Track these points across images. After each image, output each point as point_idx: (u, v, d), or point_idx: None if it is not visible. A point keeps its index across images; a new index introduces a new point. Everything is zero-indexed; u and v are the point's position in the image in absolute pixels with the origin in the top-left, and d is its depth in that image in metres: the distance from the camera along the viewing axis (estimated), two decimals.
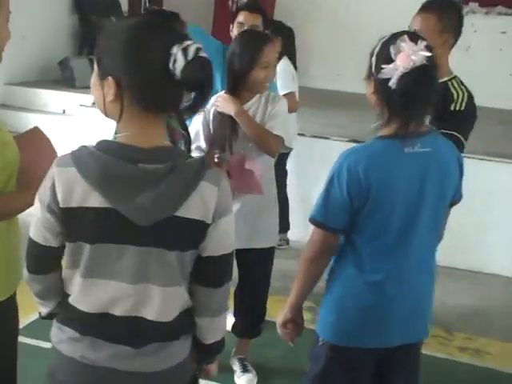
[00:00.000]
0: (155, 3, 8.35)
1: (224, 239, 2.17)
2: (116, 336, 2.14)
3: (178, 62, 1.95)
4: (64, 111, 7.94)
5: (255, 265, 4.07)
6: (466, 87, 3.61)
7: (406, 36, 2.49)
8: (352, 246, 2.67)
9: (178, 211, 2.04)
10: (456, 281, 5.76)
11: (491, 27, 9.02)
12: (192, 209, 2.05)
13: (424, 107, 2.56)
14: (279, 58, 5.02)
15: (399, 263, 2.63)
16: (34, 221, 2.14)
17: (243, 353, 4.27)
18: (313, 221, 2.66)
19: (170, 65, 1.96)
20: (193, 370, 2.35)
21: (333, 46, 9.60)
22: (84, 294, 2.15)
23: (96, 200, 2.02)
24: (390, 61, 2.47)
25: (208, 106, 3.85)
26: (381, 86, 2.53)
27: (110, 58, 2.04)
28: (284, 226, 5.84)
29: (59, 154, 2.18)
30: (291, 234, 6.37)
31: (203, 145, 3.86)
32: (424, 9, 3.65)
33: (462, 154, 2.95)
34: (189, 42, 1.98)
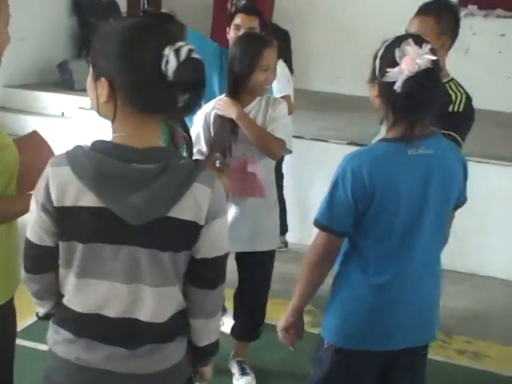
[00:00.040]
0: (154, 6, 8.36)
1: (217, 241, 2.16)
2: (110, 337, 2.14)
3: (170, 63, 1.96)
4: (63, 114, 7.94)
5: (256, 267, 4.07)
6: (463, 89, 3.62)
7: (410, 39, 2.49)
8: (357, 249, 2.67)
9: (171, 212, 2.04)
10: (455, 284, 5.75)
11: (490, 30, 9.02)
12: (184, 210, 2.05)
13: (429, 110, 2.55)
14: None
15: (403, 266, 2.63)
16: (31, 221, 2.15)
17: (242, 355, 4.27)
18: (318, 224, 2.65)
19: (163, 66, 1.97)
20: (188, 372, 2.34)
21: (330, 49, 9.60)
22: (77, 295, 2.16)
23: (90, 199, 2.03)
24: (395, 64, 2.46)
25: (208, 110, 3.86)
26: (385, 89, 2.53)
27: (103, 58, 2.05)
28: (282, 228, 5.83)
29: None
30: (289, 237, 6.37)
31: (204, 148, 3.86)
32: (421, 11, 3.65)
33: None
34: (181, 44, 1.98)
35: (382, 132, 3.73)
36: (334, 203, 2.59)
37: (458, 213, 2.90)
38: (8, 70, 7.51)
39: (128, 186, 2.02)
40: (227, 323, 4.56)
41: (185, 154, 3.19)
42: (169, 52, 1.96)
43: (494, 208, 5.92)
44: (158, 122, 2.13)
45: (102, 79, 2.04)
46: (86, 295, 2.14)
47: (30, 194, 2.19)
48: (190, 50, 1.98)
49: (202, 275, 2.18)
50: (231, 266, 4.03)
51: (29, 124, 7.46)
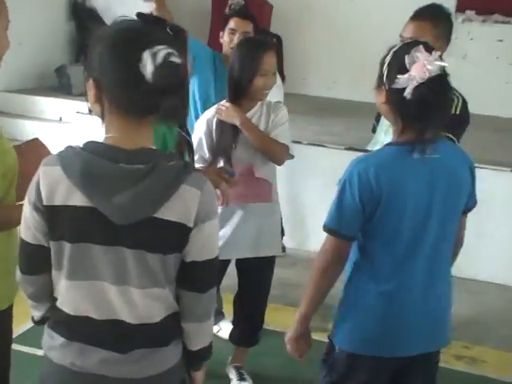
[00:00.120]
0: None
1: (207, 244, 2.17)
2: (102, 341, 2.16)
3: (147, 66, 1.97)
4: (61, 118, 7.93)
5: (256, 273, 4.07)
6: (459, 93, 3.63)
7: (421, 46, 2.50)
8: (367, 254, 2.67)
9: (158, 212, 2.05)
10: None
11: (488, 35, 9.03)
12: (172, 211, 2.06)
13: (439, 117, 2.56)
14: None
15: (411, 271, 2.63)
16: (24, 220, 2.18)
17: (240, 361, 4.26)
18: (327, 229, 2.65)
19: (141, 69, 1.98)
20: (183, 375, 2.35)
21: (328, 54, 9.60)
22: (68, 297, 2.18)
23: (78, 198, 2.06)
24: (404, 70, 2.47)
25: (210, 116, 3.86)
26: (394, 95, 2.53)
27: (90, 60, 2.08)
28: None
29: None
30: (286, 242, 6.36)
31: (206, 154, 3.85)
32: (417, 17, 3.65)
33: None
34: (160, 47, 1.99)
35: (378, 139, 3.75)
36: (342, 207, 2.59)
37: None
38: (6, 75, 7.51)
39: (115, 186, 2.04)
40: (225, 328, 4.56)
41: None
42: (147, 55, 1.97)
43: (490, 213, 5.91)
44: (148, 124, 2.13)
45: (90, 80, 2.09)
46: (77, 297, 2.16)
47: None
48: (169, 54, 1.99)
49: (192, 278, 2.18)
50: (231, 271, 4.05)
51: (27, 129, 7.46)
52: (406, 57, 2.47)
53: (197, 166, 3.66)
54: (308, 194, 6.49)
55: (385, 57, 2.60)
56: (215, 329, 4.55)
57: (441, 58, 2.50)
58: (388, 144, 2.66)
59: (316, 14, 9.61)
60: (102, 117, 2.12)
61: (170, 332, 2.23)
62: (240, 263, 4.06)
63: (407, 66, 2.46)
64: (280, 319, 4.82)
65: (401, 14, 3.81)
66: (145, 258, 2.10)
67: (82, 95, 2.20)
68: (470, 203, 2.77)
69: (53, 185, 2.08)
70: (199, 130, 3.87)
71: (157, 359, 2.19)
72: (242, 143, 3.80)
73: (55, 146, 3.07)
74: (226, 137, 3.80)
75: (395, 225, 2.57)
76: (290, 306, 5.17)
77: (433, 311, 2.71)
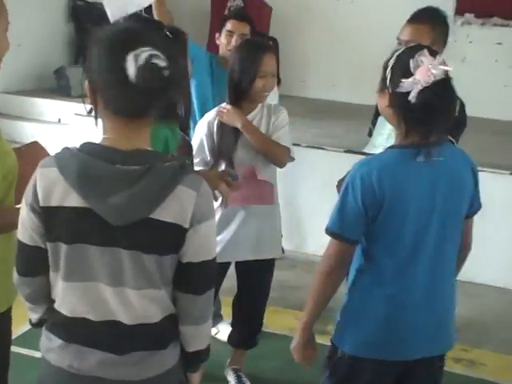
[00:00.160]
0: (150, 13, 8.34)
1: (204, 245, 2.17)
2: (99, 342, 2.16)
3: (130, 68, 1.99)
4: (59, 120, 7.92)
5: (255, 275, 4.07)
6: (457, 96, 3.63)
7: (426, 50, 2.50)
8: (370, 258, 2.66)
9: (154, 213, 2.06)
10: None
11: (487, 38, 9.03)
12: (168, 212, 2.07)
13: (443, 121, 2.56)
14: None
15: (414, 274, 2.62)
16: (21, 222, 2.19)
17: (238, 363, 4.26)
18: (330, 232, 2.63)
19: (126, 70, 1.99)
20: (180, 377, 2.35)
21: (327, 57, 9.60)
22: (65, 298, 2.18)
23: (74, 199, 2.07)
24: (408, 74, 2.47)
25: (211, 118, 3.86)
26: (397, 99, 2.53)
27: (86, 62, 2.10)
28: None
29: None
30: (285, 244, 6.35)
31: (208, 157, 3.85)
32: (415, 20, 3.65)
33: None
34: (145, 49, 2.00)
35: (375, 142, 3.74)
36: (344, 211, 2.58)
37: None
38: (5, 76, 7.50)
39: (111, 187, 2.04)
40: (223, 331, 4.56)
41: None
42: (130, 57, 1.99)
43: (489, 216, 5.90)
44: (144, 125, 2.14)
45: (86, 82, 2.11)
46: (73, 298, 2.17)
47: None
48: (151, 56, 2.00)
49: (188, 280, 2.18)
50: (229, 273, 4.05)
51: (25, 130, 7.46)
52: (411, 61, 2.47)
53: (198, 168, 3.67)
54: (307, 196, 6.49)
55: (388, 60, 2.60)
56: (213, 331, 4.55)
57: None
58: (390, 147, 2.66)
59: (315, 16, 9.61)
60: (96, 118, 2.13)
61: (168, 334, 2.23)
62: (240, 265, 4.05)
63: (412, 69, 2.47)
64: (279, 322, 4.82)
65: (400, 17, 3.81)
66: (141, 259, 2.10)
67: (81, 97, 2.21)
68: (475, 206, 2.77)
69: (49, 186, 2.09)
70: (200, 133, 3.87)
71: (155, 362, 2.20)
72: (242, 146, 3.80)
73: (54, 148, 3.07)
74: (227, 139, 3.80)
75: (398, 228, 2.57)
76: (288, 309, 5.18)
77: (436, 314, 2.70)
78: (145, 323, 2.16)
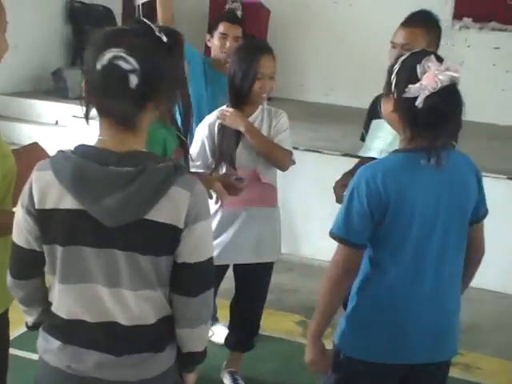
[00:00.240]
0: (148, 14, 8.35)
1: (199, 245, 2.17)
2: (96, 343, 2.17)
3: (95, 69, 2.02)
4: (57, 122, 7.92)
5: (254, 277, 4.08)
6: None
7: (432, 56, 2.51)
8: (375, 264, 2.65)
9: (148, 214, 2.07)
10: None
11: (485, 42, 9.04)
12: (162, 212, 2.08)
13: (449, 126, 2.56)
14: None
15: (419, 280, 2.62)
16: (16, 225, 2.20)
17: (234, 366, 4.25)
18: (337, 238, 2.62)
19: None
20: (176, 377, 2.35)
21: (325, 61, 9.60)
22: (62, 301, 2.19)
23: (69, 202, 2.08)
24: (414, 80, 2.47)
25: (212, 120, 3.86)
26: (403, 104, 2.53)
27: (83, 63, 2.13)
28: None
29: None
30: (282, 247, 6.35)
31: (210, 159, 3.85)
32: (409, 23, 3.65)
33: None
34: (113, 50, 2.02)
35: (369, 146, 3.74)
36: (350, 215, 2.57)
37: None
38: (2, 78, 7.52)
39: (105, 189, 2.05)
40: (217, 333, 4.56)
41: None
42: (99, 58, 2.02)
43: (487, 220, 5.88)
44: (137, 127, 2.14)
45: (83, 83, 2.14)
46: (69, 300, 2.18)
47: None
48: (115, 57, 2.01)
49: (183, 281, 2.19)
50: (226, 275, 4.05)
51: (23, 132, 7.45)
52: (418, 66, 2.48)
53: (200, 171, 3.68)
54: (303, 199, 6.49)
55: (393, 65, 2.60)
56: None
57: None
58: (395, 151, 2.66)
59: (313, 19, 9.61)
60: (87, 118, 2.17)
61: (165, 336, 2.24)
62: (238, 268, 4.06)
63: (418, 75, 2.47)
64: (275, 325, 4.82)
65: (399, 22, 3.81)
66: (136, 260, 2.11)
67: (79, 99, 2.22)
68: (482, 211, 2.80)
69: (44, 189, 2.10)
70: (201, 134, 3.87)
71: (152, 363, 2.20)
72: (244, 148, 3.81)
73: (51, 150, 3.09)
74: (228, 142, 3.80)
75: (402, 231, 2.56)
76: (285, 312, 5.17)
77: (440, 320, 2.70)
78: (141, 324, 2.17)
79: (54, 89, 8.34)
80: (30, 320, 2.35)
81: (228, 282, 4.10)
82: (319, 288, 2.69)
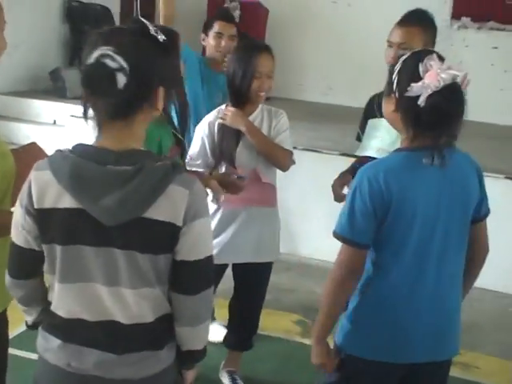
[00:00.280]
0: (146, 14, 8.35)
1: (198, 243, 2.17)
2: (96, 342, 2.17)
3: (83, 67, 2.04)
4: (55, 122, 7.92)
5: (253, 277, 4.08)
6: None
7: (434, 54, 2.51)
8: (378, 265, 2.65)
9: (146, 213, 2.07)
10: None
11: (483, 42, 9.04)
12: (160, 211, 2.08)
13: (452, 125, 2.56)
14: None
15: (420, 280, 2.62)
16: (15, 224, 2.20)
17: (233, 365, 4.25)
18: (341, 238, 2.60)
19: None
20: (176, 375, 2.35)
21: (324, 60, 9.60)
22: (62, 300, 2.19)
23: (67, 201, 2.08)
24: (416, 78, 2.47)
25: (212, 119, 3.86)
26: (405, 103, 2.53)
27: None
28: None
29: None
30: (280, 247, 6.35)
31: (210, 158, 3.85)
32: (405, 22, 3.65)
33: None
34: (103, 48, 2.02)
35: (366, 145, 3.74)
36: (353, 215, 2.56)
37: None
38: (0, 77, 7.50)
39: (103, 188, 2.06)
40: (214, 332, 4.54)
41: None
42: (90, 56, 2.02)
43: (486, 220, 5.91)
44: (134, 125, 2.14)
45: None
46: (68, 300, 2.18)
47: None
48: (102, 56, 2.01)
49: (182, 279, 2.19)
50: (226, 275, 4.04)
51: (21, 132, 7.45)
52: (420, 65, 2.47)
53: (199, 170, 3.68)
54: (302, 199, 6.48)
55: (394, 65, 2.60)
56: None
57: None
58: (397, 150, 2.66)
59: (312, 19, 9.61)
60: (86, 118, 2.15)
61: (164, 334, 2.24)
62: (237, 267, 4.06)
63: (421, 74, 2.47)
64: (273, 324, 4.82)
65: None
66: (135, 259, 2.11)
67: (77, 98, 2.22)
68: (484, 210, 2.80)
69: (43, 188, 2.11)
70: (201, 134, 3.87)
71: (152, 362, 2.21)
72: (244, 148, 3.81)
73: (49, 149, 3.09)
74: (228, 141, 3.80)
75: (404, 231, 2.56)
76: (283, 311, 5.17)
77: (441, 319, 2.70)
78: (140, 323, 2.17)
79: (52, 88, 8.34)
80: (30, 319, 2.36)
81: (227, 281, 4.09)
82: (320, 288, 2.68)
